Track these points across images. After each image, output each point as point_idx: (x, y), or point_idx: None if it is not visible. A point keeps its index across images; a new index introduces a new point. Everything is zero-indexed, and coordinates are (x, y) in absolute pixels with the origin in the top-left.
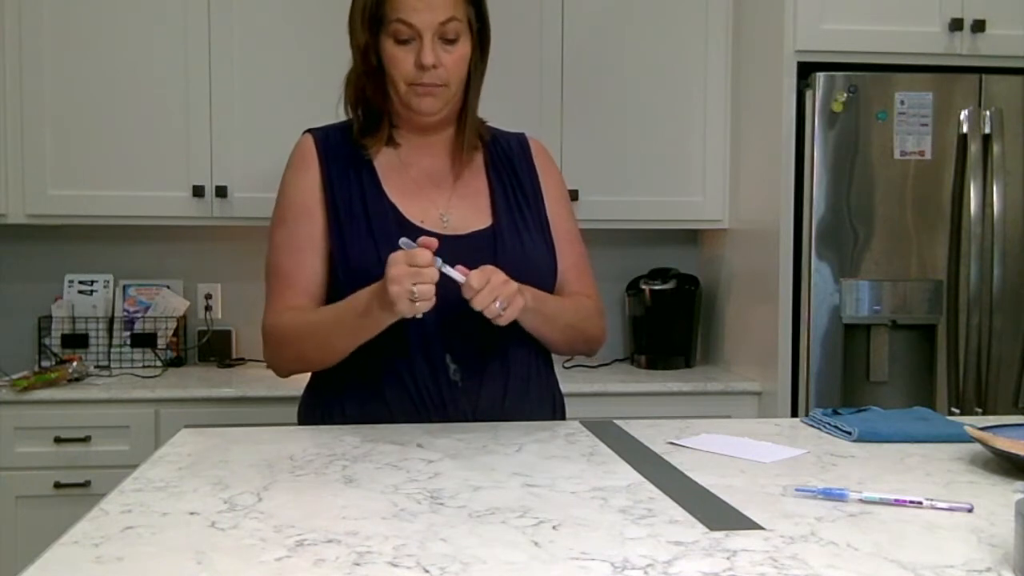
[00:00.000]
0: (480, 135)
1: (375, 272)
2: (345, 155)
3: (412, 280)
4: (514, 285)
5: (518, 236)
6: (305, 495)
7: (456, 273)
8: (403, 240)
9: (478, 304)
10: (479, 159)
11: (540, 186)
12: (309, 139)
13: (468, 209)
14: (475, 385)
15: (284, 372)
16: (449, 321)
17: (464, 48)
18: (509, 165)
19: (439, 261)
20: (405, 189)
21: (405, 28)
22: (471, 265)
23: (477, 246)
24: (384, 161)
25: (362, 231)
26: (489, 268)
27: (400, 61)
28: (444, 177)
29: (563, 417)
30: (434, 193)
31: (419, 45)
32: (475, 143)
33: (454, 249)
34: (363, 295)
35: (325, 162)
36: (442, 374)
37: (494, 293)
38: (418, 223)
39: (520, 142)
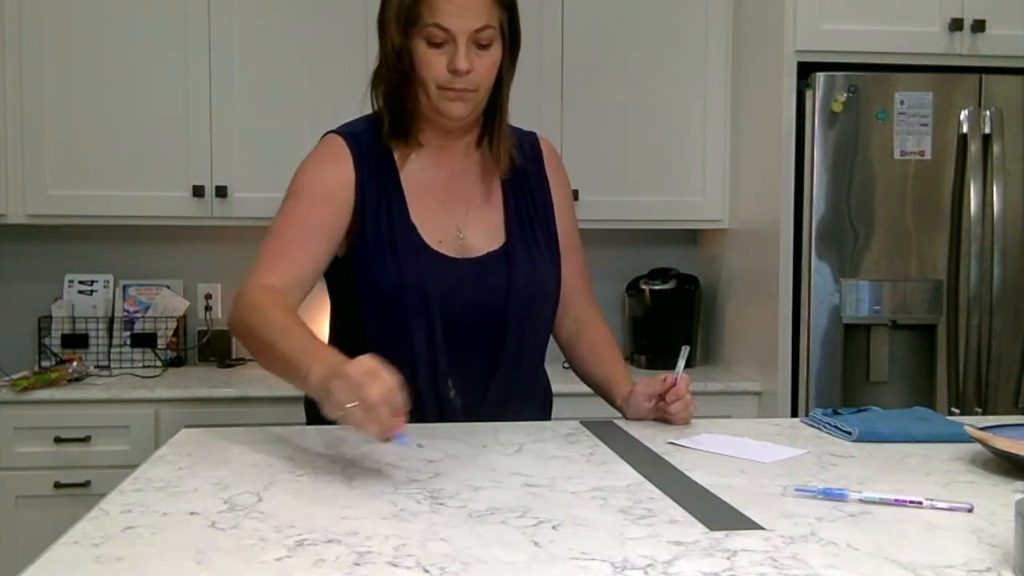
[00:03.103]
0: (512, 141)
1: (393, 290)
2: (374, 164)
3: (359, 394)
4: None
5: (529, 255)
6: (305, 495)
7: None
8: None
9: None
10: (496, 167)
11: (551, 196)
12: (343, 142)
13: (483, 227)
14: (475, 402)
15: (234, 336)
16: (454, 350)
17: (496, 54)
18: (522, 174)
19: (406, 439)
20: (426, 206)
21: (440, 32)
22: (485, 287)
23: (492, 268)
24: (408, 170)
25: (384, 247)
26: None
27: (432, 64)
28: (463, 187)
29: (550, 413)
30: (452, 207)
31: (453, 49)
32: (510, 153)
33: (468, 270)
34: (319, 362)
35: (360, 169)
36: (444, 394)
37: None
38: (435, 245)
39: (532, 145)
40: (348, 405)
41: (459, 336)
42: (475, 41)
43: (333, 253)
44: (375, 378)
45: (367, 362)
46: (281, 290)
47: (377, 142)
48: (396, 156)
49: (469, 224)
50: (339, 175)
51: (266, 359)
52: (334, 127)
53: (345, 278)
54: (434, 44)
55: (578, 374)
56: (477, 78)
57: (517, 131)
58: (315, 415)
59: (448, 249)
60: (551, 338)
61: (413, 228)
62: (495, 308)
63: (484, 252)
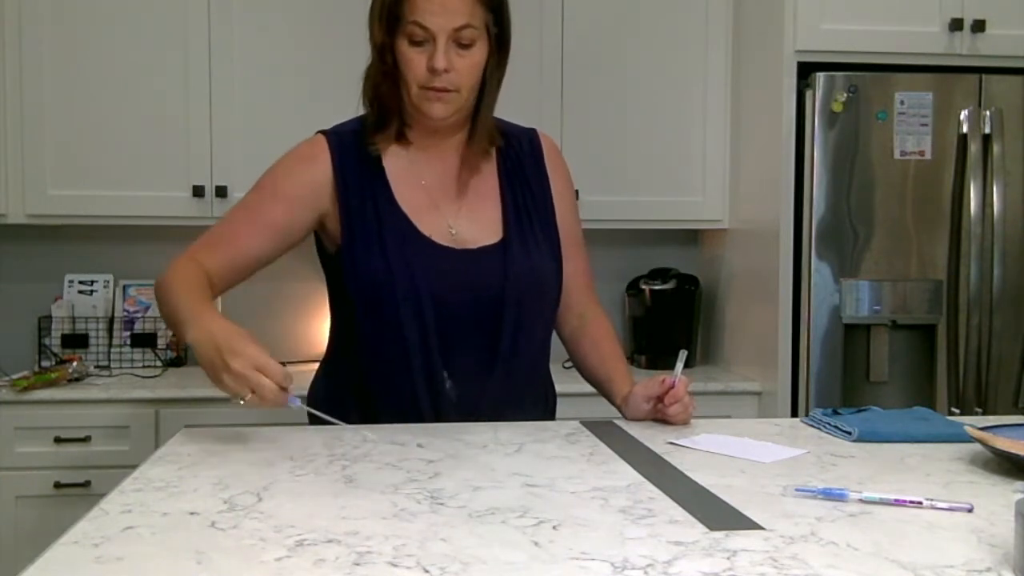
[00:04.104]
0: (493, 140)
1: (382, 281)
2: (359, 161)
3: (250, 385)
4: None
5: (526, 250)
6: (305, 495)
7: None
8: (293, 398)
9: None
10: (491, 163)
11: (550, 191)
12: (323, 142)
13: (478, 221)
14: (472, 398)
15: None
16: (448, 343)
17: (479, 54)
18: (520, 169)
19: (297, 402)
20: (416, 200)
21: (420, 30)
22: (480, 280)
23: (487, 261)
24: (396, 167)
25: (372, 240)
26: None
27: (413, 63)
28: (454, 183)
29: (554, 414)
30: (444, 203)
31: (432, 48)
32: (486, 150)
33: (464, 263)
34: (186, 314)
35: (340, 169)
36: (440, 387)
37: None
38: (427, 235)
39: (531, 141)
40: (242, 396)
41: (453, 328)
42: (456, 40)
43: (282, 251)
44: (264, 370)
45: (252, 353)
46: (207, 272)
47: (365, 140)
48: (384, 154)
49: (462, 220)
50: (310, 176)
51: (165, 319)
52: (327, 127)
53: (337, 275)
54: (415, 42)
55: (579, 371)
56: (457, 78)
57: (516, 128)
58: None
59: (441, 241)
60: (554, 336)
61: (404, 218)
62: (490, 301)
63: (479, 245)
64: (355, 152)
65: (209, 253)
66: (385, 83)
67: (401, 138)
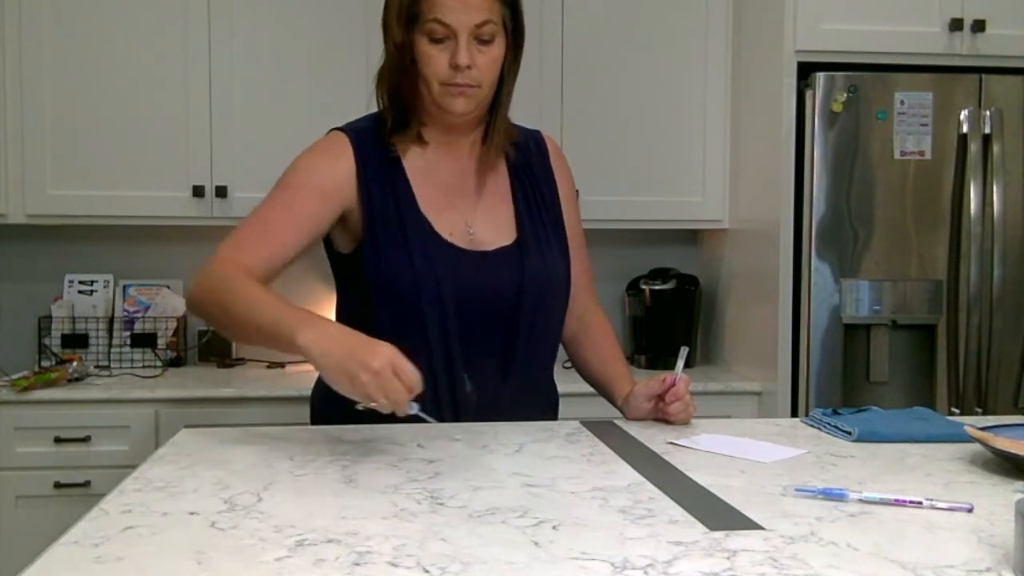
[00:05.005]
0: (510, 136)
1: (407, 282)
2: (378, 159)
3: (386, 388)
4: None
5: (540, 251)
6: (305, 495)
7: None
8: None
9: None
10: (503, 163)
11: (557, 192)
12: (344, 138)
13: (494, 222)
14: (490, 400)
15: (192, 308)
16: (467, 346)
17: (498, 50)
18: (528, 170)
19: (415, 407)
20: (434, 200)
21: (440, 28)
22: (498, 282)
23: (505, 263)
24: (413, 166)
25: (396, 240)
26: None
27: (434, 60)
28: (470, 183)
29: (555, 415)
30: (460, 203)
31: (454, 45)
32: (505, 146)
33: (481, 265)
34: (290, 320)
35: (362, 166)
36: (460, 390)
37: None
38: (447, 236)
39: (537, 143)
40: (378, 399)
41: (473, 329)
42: (476, 37)
43: (311, 247)
44: (399, 372)
45: (389, 352)
46: (252, 270)
47: (382, 139)
48: (401, 153)
49: (478, 219)
50: (335, 170)
51: (241, 328)
52: (335, 126)
53: (355, 274)
54: (435, 40)
55: (579, 372)
56: (479, 74)
57: (522, 129)
58: (322, 415)
59: (459, 242)
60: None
61: (424, 219)
62: (508, 301)
63: (496, 247)
64: (373, 150)
65: (246, 255)
66: (404, 82)
67: (418, 137)
